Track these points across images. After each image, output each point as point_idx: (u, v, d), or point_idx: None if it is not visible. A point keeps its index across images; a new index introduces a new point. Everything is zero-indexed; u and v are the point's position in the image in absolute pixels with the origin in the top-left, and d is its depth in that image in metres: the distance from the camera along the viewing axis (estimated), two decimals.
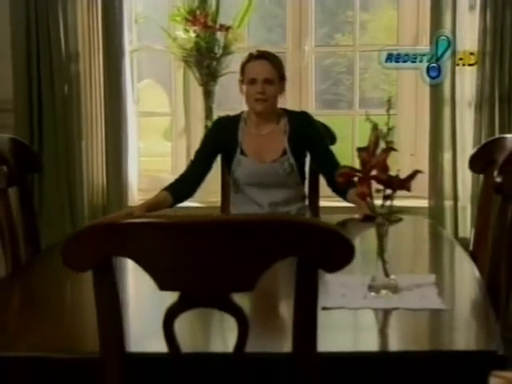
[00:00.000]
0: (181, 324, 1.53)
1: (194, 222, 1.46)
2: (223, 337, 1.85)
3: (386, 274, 2.01)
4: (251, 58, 3.33)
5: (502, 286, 2.27)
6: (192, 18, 4.12)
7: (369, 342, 1.84)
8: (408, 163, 4.26)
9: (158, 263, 1.48)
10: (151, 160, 4.77)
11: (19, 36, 4.03)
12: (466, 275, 2.41)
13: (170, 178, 3.49)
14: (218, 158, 3.42)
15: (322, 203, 3.65)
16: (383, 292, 2.00)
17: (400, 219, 2.95)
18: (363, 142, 2.04)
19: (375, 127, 1.98)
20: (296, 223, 1.47)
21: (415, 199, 4.12)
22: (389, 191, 1.99)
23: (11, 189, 2.72)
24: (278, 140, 3.33)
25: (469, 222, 4.05)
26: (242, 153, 3.33)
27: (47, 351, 1.74)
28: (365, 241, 2.81)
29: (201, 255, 1.45)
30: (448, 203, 4.02)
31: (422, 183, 4.12)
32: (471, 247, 2.69)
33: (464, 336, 1.89)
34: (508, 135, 2.79)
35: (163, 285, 1.49)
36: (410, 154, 4.35)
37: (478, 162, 2.64)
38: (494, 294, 2.23)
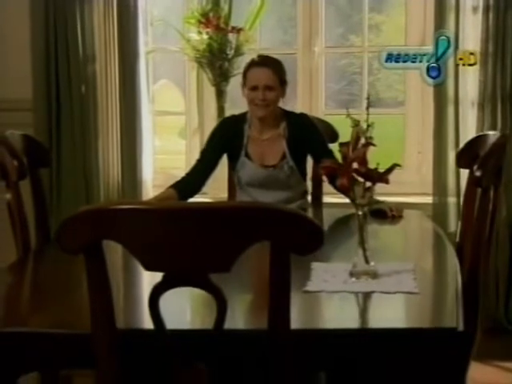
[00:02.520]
0: (165, 302, 1.65)
1: (176, 209, 1.60)
2: (204, 314, 1.95)
3: (367, 261, 2.14)
4: (253, 64, 3.42)
5: (481, 274, 2.37)
6: (205, 20, 4.20)
7: (343, 321, 1.96)
8: (415, 161, 4.37)
9: (144, 246, 1.59)
10: (167, 158, 4.87)
11: (38, 38, 4.14)
12: (445, 264, 2.52)
13: (183, 174, 3.58)
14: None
15: (326, 199, 3.74)
16: (363, 277, 2.13)
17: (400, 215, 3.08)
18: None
19: (356, 124, 2.11)
20: (267, 210, 1.58)
21: (420, 196, 4.21)
22: (368, 183, 2.11)
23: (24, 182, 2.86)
24: (278, 144, 3.43)
25: None
26: (247, 155, 3.44)
27: (54, 327, 1.88)
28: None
29: (182, 239, 1.56)
30: (452, 200, 4.07)
31: (426, 180, 4.23)
32: (457, 238, 2.79)
33: (431, 315, 2.03)
34: (490, 132, 2.89)
35: (149, 266, 1.61)
36: (417, 152, 4.43)
37: (464, 158, 2.74)
38: (475, 281, 2.36)
